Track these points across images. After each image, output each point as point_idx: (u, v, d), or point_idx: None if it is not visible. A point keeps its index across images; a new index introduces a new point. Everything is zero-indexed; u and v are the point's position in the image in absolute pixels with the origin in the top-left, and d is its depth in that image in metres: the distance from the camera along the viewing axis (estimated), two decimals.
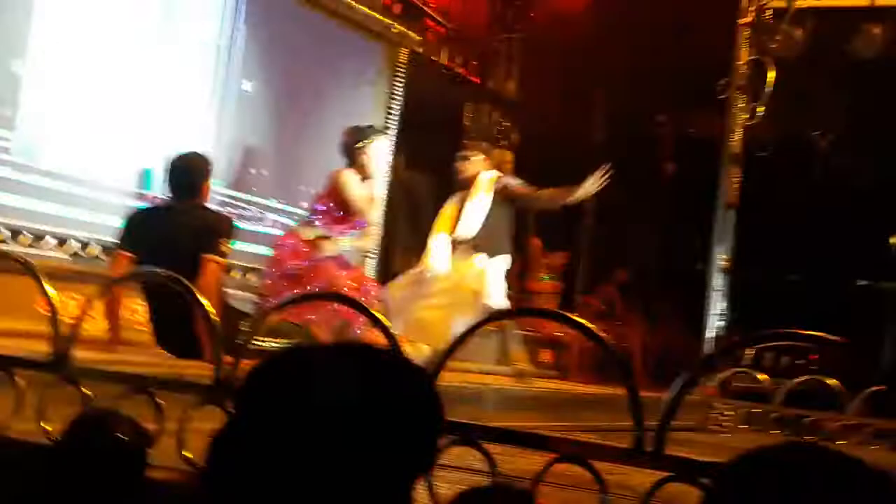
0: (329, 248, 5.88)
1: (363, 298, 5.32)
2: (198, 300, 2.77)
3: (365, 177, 6.03)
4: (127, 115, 6.63)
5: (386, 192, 8.59)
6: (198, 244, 4.89)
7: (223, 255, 5.01)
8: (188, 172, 5.18)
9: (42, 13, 6.07)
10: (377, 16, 8.43)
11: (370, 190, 6.03)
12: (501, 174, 7.21)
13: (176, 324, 4.66)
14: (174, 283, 2.80)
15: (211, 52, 7.24)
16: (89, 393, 2.77)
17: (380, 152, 6.14)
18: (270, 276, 5.86)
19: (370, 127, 6.19)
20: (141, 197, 6.57)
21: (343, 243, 5.95)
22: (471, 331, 2.46)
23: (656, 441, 2.12)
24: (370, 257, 8.50)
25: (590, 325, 2.25)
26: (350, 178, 5.95)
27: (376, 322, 2.66)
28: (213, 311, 2.78)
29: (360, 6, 8.16)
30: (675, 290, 9.99)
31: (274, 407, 1.19)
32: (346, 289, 5.59)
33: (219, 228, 5.06)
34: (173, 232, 4.92)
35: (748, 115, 7.86)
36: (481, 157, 7.20)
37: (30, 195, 6.08)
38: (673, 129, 11.86)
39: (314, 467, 1.16)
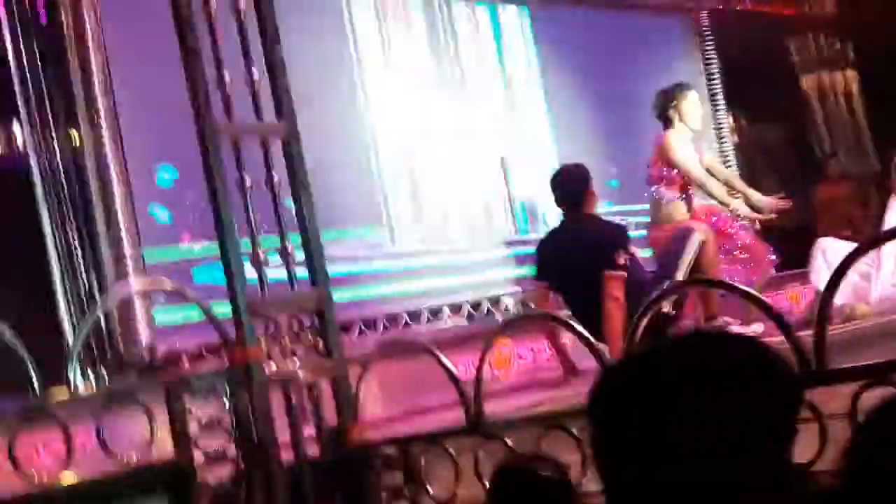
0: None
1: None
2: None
3: (692, 131, 5.92)
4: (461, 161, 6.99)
5: (734, 153, 8.34)
6: (597, 259, 4.97)
7: (622, 267, 5.03)
8: (568, 183, 5.32)
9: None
10: None
11: (693, 145, 5.91)
12: None
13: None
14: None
15: (519, 79, 7.45)
16: (510, 443, 2.91)
17: (693, 105, 5.95)
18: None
19: (676, 85, 6.05)
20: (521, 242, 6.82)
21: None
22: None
23: None
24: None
25: None
26: (673, 139, 5.81)
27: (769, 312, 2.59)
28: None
29: None
30: None
31: (638, 411, 1.21)
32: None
33: (613, 240, 5.11)
34: (572, 251, 5.04)
35: None
36: None
37: (413, 277, 6.53)
38: None
39: (694, 455, 1.18)
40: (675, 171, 5.70)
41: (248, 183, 3.49)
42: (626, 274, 5.02)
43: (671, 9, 8.31)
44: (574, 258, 4.97)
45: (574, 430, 2.76)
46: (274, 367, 3.35)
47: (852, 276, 5.42)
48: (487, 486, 2.82)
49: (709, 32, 8.44)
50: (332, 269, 5.45)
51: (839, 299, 4.84)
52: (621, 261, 5.01)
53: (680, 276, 5.13)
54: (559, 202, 5.35)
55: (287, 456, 3.38)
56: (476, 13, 7.31)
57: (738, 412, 1.17)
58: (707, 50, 8.42)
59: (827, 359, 2.48)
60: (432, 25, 7.06)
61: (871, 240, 5.32)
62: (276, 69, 3.60)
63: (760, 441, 1.18)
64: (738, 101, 8.63)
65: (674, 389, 1.20)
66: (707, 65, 8.41)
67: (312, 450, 3.42)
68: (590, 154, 7.48)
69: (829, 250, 5.99)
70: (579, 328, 2.89)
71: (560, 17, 7.65)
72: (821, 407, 2.34)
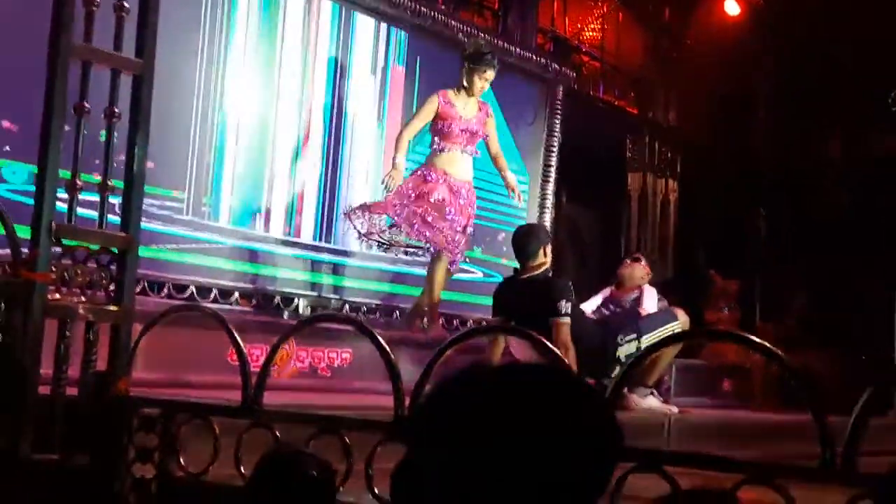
0: None
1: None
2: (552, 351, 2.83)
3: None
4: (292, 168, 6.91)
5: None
6: (543, 309, 5.38)
7: (565, 314, 5.43)
8: (523, 239, 5.81)
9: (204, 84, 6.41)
10: (532, 56, 8.49)
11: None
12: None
13: None
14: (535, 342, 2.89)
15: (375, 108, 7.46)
16: (279, 435, 2.89)
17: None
18: None
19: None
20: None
21: None
22: (649, 351, 2.46)
23: (845, 459, 2.06)
24: None
25: (770, 346, 2.21)
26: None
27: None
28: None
29: (513, 47, 8.23)
30: (859, 312, 9.59)
31: (447, 437, 1.21)
32: None
33: (559, 291, 5.52)
34: (524, 301, 5.49)
35: None
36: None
37: (212, 254, 6.38)
38: (847, 147, 11.47)
39: (492, 495, 1.18)
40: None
41: (87, 109, 3.38)
42: (569, 321, 5.46)
43: (533, 75, 8.50)
44: (525, 305, 5.40)
45: (347, 440, 2.77)
46: (58, 297, 3.23)
47: None
48: (247, 471, 2.79)
49: (560, 108, 8.69)
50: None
51: None
52: (564, 308, 5.43)
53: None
54: (516, 255, 5.82)
55: (44, 390, 3.25)
56: (351, 21, 7.29)
57: (549, 457, 1.17)
58: (553, 123, 8.66)
59: None
60: (302, 22, 6.99)
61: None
62: (149, 4, 3.50)
63: (566, 487, 1.18)
64: (564, 178, 8.91)
65: (487, 424, 1.19)
66: (549, 136, 8.65)
67: (72, 390, 3.30)
68: None
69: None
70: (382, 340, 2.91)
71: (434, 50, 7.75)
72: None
